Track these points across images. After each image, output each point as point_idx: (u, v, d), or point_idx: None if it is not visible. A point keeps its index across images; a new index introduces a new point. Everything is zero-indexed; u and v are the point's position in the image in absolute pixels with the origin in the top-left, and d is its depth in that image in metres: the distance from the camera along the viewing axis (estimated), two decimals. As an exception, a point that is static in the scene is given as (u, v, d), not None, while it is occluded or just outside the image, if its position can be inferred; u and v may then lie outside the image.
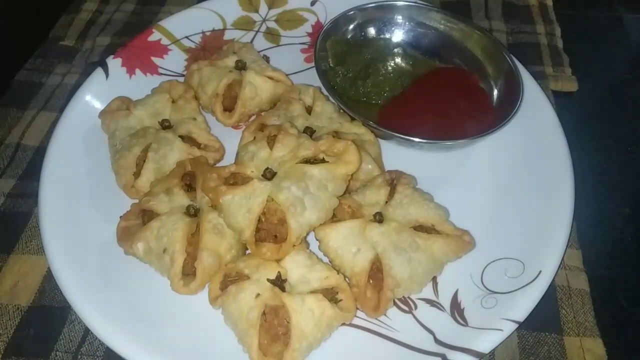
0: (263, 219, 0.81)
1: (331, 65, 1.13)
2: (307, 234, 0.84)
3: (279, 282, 0.79)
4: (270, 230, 0.81)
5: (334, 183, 0.83)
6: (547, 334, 0.86)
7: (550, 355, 0.84)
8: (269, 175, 0.83)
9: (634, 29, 1.35)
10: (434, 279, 0.87)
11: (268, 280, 0.79)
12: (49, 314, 0.89)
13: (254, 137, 0.91)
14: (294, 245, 0.81)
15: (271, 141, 0.87)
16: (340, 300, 0.80)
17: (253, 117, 1.09)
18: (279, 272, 0.80)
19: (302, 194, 0.80)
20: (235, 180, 0.85)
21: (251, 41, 1.24)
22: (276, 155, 0.85)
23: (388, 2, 1.17)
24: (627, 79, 1.25)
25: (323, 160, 0.85)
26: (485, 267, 0.88)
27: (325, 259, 0.87)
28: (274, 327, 0.76)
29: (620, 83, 1.24)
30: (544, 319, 0.86)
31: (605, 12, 1.40)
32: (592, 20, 1.38)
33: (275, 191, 0.80)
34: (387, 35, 1.19)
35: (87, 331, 0.86)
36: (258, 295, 0.77)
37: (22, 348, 0.86)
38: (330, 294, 0.80)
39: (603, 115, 1.17)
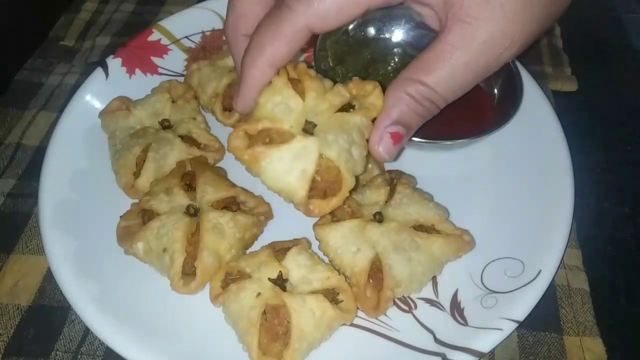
0: (318, 178, 0.75)
1: (331, 65, 1.12)
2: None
3: (280, 282, 0.79)
4: (319, 188, 0.75)
5: (368, 130, 0.77)
6: (546, 333, 0.86)
7: (550, 355, 0.84)
8: (311, 129, 0.74)
9: (633, 28, 1.36)
10: (434, 279, 0.87)
11: (269, 279, 0.79)
12: (49, 313, 0.89)
13: (270, 82, 0.78)
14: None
15: (295, 88, 0.76)
16: (341, 301, 0.80)
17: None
18: (280, 271, 0.80)
19: (349, 145, 0.74)
20: (272, 137, 0.74)
21: (251, 41, 1.23)
22: (310, 104, 0.75)
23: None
24: (627, 79, 1.25)
25: (349, 105, 0.78)
26: (485, 266, 0.88)
27: (326, 259, 0.87)
28: (275, 327, 0.77)
29: (620, 82, 1.24)
30: (544, 319, 0.86)
31: (605, 12, 1.40)
32: (592, 20, 1.38)
33: (325, 147, 0.73)
34: (387, 35, 1.18)
35: (87, 331, 0.86)
36: (259, 294, 0.77)
37: (22, 348, 0.85)
38: (331, 295, 0.80)
39: (603, 115, 1.17)
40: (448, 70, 0.71)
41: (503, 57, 0.72)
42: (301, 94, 0.76)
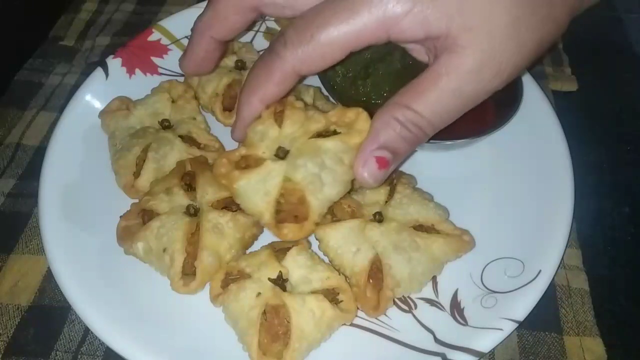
0: (282, 201, 0.79)
1: (331, 65, 1.12)
2: (328, 209, 0.82)
3: (280, 282, 0.79)
4: (290, 211, 0.79)
5: (349, 154, 0.79)
6: (546, 333, 0.86)
7: (549, 355, 0.84)
8: (282, 154, 0.79)
9: (633, 28, 1.36)
10: (434, 279, 0.87)
11: (269, 279, 0.79)
12: (49, 313, 0.89)
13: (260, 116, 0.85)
14: (316, 223, 0.80)
15: (279, 118, 0.83)
16: (341, 301, 0.80)
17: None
18: (280, 271, 0.80)
19: (319, 169, 0.77)
20: (248, 163, 0.82)
21: (251, 41, 1.23)
22: (286, 132, 0.81)
23: (388, 2, 1.17)
24: (627, 78, 1.25)
25: (335, 132, 0.81)
26: (485, 266, 0.88)
27: (326, 259, 0.87)
28: (274, 327, 0.76)
29: (619, 82, 1.24)
30: (544, 319, 0.86)
31: (606, 12, 1.40)
32: (592, 20, 1.37)
33: (291, 170, 0.78)
34: (387, 35, 1.19)
35: (87, 331, 0.87)
36: (259, 294, 0.77)
37: (22, 348, 0.85)
38: (331, 295, 0.80)
39: (603, 115, 1.17)
40: (435, 97, 0.71)
41: (492, 85, 0.72)
42: (281, 123, 0.82)
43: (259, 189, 0.79)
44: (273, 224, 0.79)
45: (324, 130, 0.82)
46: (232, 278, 0.82)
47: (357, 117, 0.81)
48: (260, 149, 0.81)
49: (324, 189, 0.78)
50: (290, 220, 0.79)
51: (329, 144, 0.79)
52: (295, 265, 0.81)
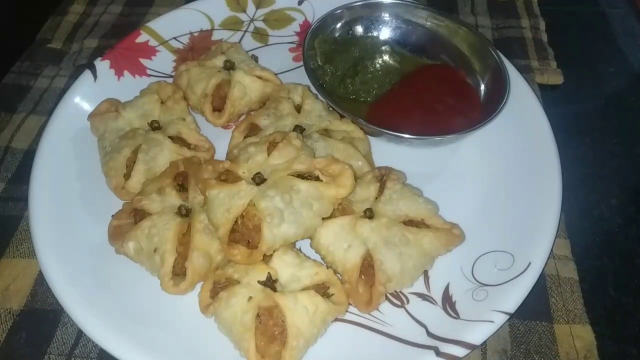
0: (240, 222, 0.81)
1: (319, 63, 1.13)
2: (280, 247, 0.83)
3: (270, 283, 0.79)
4: (244, 235, 0.81)
5: (320, 203, 0.82)
6: (537, 322, 0.87)
7: (541, 343, 0.85)
8: (258, 180, 0.82)
9: (616, 23, 1.37)
10: (425, 273, 0.88)
11: (259, 282, 0.79)
12: (41, 317, 0.88)
13: (242, 137, 0.90)
14: (265, 256, 0.81)
15: (272, 147, 0.86)
16: (332, 294, 0.80)
17: (243, 117, 1.09)
18: (269, 272, 0.79)
19: (284, 206, 0.80)
20: (227, 177, 0.84)
21: (239, 41, 1.24)
22: (271, 162, 0.84)
23: (375, 0, 1.18)
24: (611, 72, 1.26)
25: (317, 178, 0.84)
26: (476, 260, 0.89)
27: (315, 257, 0.87)
28: (270, 328, 0.76)
29: (604, 76, 1.26)
30: (534, 308, 0.87)
31: (589, 7, 1.41)
32: (576, 15, 1.39)
33: (259, 197, 0.80)
34: (375, 33, 1.20)
35: (80, 333, 0.86)
36: (250, 298, 0.77)
37: (14, 352, 0.85)
38: (322, 289, 0.80)
39: (589, 108, 1.19)
40: None
41: None
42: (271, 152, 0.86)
43: (224, 203, 0.81)
44: (225, 240, 0.80)
45: (307, 172, 0.84)
46: (220, 286, 0.81)
47: (342, 171, 0.84)
48: (242, 169, 0.85)
49: (282, 225, 0.79)
50: (243, 244, 0.80)
51: (303, 185, 0.82)
52: (283, 265, 0.82)
